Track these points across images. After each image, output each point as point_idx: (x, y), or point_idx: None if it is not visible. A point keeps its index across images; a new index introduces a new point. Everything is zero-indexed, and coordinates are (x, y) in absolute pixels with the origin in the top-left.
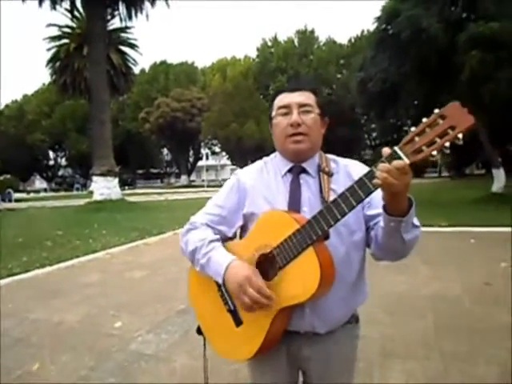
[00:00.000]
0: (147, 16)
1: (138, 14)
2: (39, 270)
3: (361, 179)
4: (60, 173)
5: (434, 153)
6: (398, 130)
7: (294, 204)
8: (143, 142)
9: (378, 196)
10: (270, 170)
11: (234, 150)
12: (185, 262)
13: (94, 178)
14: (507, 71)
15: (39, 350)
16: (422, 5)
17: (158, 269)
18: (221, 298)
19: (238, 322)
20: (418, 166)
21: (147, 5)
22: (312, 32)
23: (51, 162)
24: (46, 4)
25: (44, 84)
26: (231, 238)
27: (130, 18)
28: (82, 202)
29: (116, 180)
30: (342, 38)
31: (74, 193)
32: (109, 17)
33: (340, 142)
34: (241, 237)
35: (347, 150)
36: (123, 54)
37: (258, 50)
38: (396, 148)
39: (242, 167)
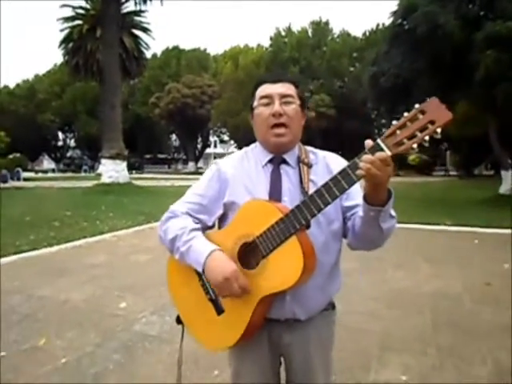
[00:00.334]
0: (161, 1)
1: None
2: (46, 248)
3: (344, 170)
4: (68, 154)
5: (415, 146)
6: None
7: (275, 194)
8: (152, 126)
9: (355, 188)
10: (251, 160)
11: (242, 139)
12: None
13: (103, 161)
14: None
15: (46, 325)
16: (439, 1)
17: (162, 253)
18: (202, 288)
19: (220, 310)
20: (425, 164)
21: None
22: (326, 23)
23: (60, 143)
24: None
25: (56, 65)
26: (210, 227)
27: (145, 1)
28: (89, 183)
29: (124, 163)
30: (357, 31)
31: (82, 174)
32: (123, 0)
33: (349, 135)
34: (219, 226)
35: (356, 144)
36: (136, 37)
37: (271, 39)
38: (379, 140)
39: None
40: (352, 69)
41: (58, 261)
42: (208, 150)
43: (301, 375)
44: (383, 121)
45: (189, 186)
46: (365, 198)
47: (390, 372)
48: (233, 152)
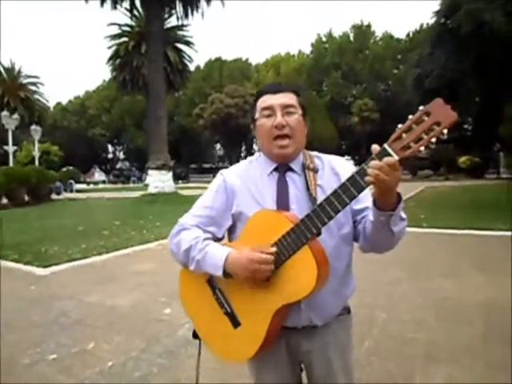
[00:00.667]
0: (202, 14)
1: (194, 13)
2: (96, 256)
3: (352, 176)
4: (118, 166)
5: (422, 148)
6: (459, 129)
7: (283, 202)
8: (197, 137)
9: (364, 190)
10: (256, 169)
11: None
12: None
13: (150, 172)
14: None
15: (94, 330)
16: None
17: None
18: (216, 302)
19: (236, 323)
20: (476, 166)
21: (203, 3)
22: (368, 26)
23: (110, 156)
24: (108, 4)
25: (104, 81)
26: (220, 239)
27: (187, 16)
28: (137, 194)
29: (170, 174)
30: (400, 33)
31: (131, 185)
32: (166, 16)
33: None
34: (229, 238)
35: None
36: (179, 51)
37: (312, 45)
38: (385, 145)
39: None
40: (396, 71)
41: (107, 268)
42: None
43: (322, 381)
44: None
45: None
46: (374, 203)
47: None
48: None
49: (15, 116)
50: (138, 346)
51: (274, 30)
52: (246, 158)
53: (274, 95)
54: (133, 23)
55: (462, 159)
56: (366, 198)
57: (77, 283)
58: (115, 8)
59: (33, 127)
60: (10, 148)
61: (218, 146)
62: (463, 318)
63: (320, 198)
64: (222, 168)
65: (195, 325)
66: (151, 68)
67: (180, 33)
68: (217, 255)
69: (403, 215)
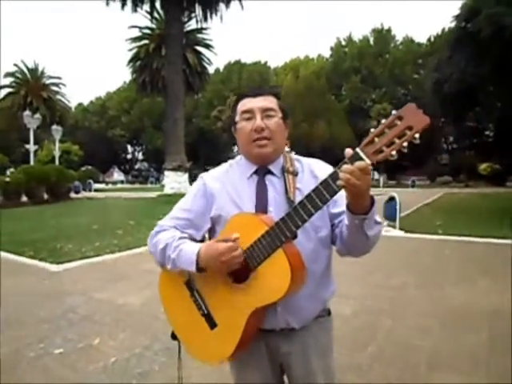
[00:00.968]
0: (221, 17)
1: (213, 16)
2: (109, 255)
3: (325, 180)
4: (136, 166)
5: (393, 153)
6: (480, 134)
7: (261, 205)
8: (215, 139)
9: (342, 194)
10: (236, 173)
11: (303, 150)
12: None
13: (166, 173)
14: None
15: (101, 326)
16: (506, 2)
17: None
18: (194, 304)
19: (213, 324)
20: (497, 174)
21: (222, 6)
22: (388, 31)
23: (129, 156)
24: (128, 6)
25: (125, 82)
26: (200, 242)
27: (206, 19)
28: (154, 194)
29: (186, 175)
30: (421, 37)
31: (148, 186)
32: (186, 19)
33: (414, 144)
34: (210, 239)
35: (422, 153)
36: (199, 53)
37: (331, 49)
38: (358, 149)
39: None
40: (416, 76)
41: (119, 267)
42: None
43: (301, 380)
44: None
45: None
46: (347, 206)
47: None
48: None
49: (37, 116)
50: (141, 342)
51: (293, 34)
52: None
53: (254, 98)
54: (153, 26)
55: (483, 166)
56: (344, 202)
57: (88, 280)
58: (135, 11)
59: (54, 127)
60: (32, 147)
61: (236, 148)
62: (470, 327)
63: (298, 201)
64: None
65: (174, 326)
66: (170, 70)
67: (199, 36)
68: (189, 251)
69: (378, 219)
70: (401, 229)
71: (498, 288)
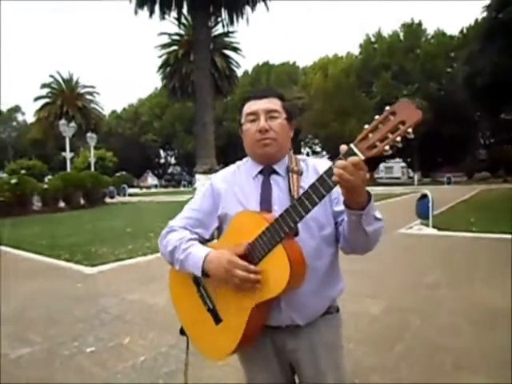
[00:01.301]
0: (247, 20)
1: (240, 19)
2: (141, 257)
3: (321, 177)
4: (169, 170)
5: (387, 148)
6: None
7: (266, 203)
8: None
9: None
10: (242, 173)
11: (334, 150)
12: None
13: (197, 176)
14: None
15: (131, 326)
16: None
17: None
18: (200, 299)
19: (218, 319)
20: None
21: (248, 9)
22: (419, 24)
23: (162, 161)
24: (156, 14)
25: (156, 88)
26: (209, 240)
27: (232, 22)
28: (186, 197)
29: None
30: (453, 29)
31: (181, 189)
32: (212, 24)
33: (450, 140)
34: (218, 238)
35: (458, 149)
36: (227, 57)
37: (360, 46)
38: (351, 145)
39: None
40: (449, 70)
41: (151, 269)
42: None
43: (311, 380)
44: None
45: None
46: (344, 202)
47: None
48: None
49: (72, 124)
50: (168, 341)
51: (321, 32)
52: None
53: (259, 101)
54: (182, 32)
55: None
56: None
57: (121, 282)
58: (163, 18)
59: (89, 134)
60: (68, 154)
61: None
62: (502, 328)
63: None
64: None
65: (182, 321)
66: (199, 75)
67: (227, 39)
68: (197, 255)
69: (378, 215)
70: (434, 227)
71: None
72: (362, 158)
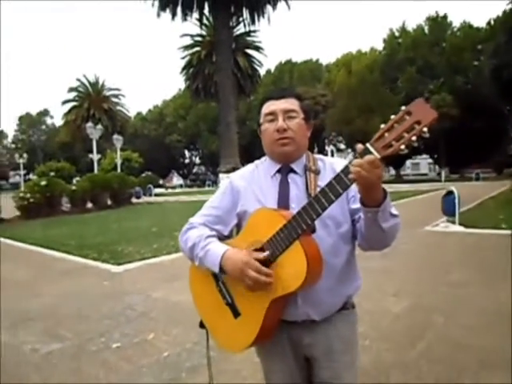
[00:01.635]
0: (269, 19)
1: (261, 18)
2: (166, 256)
3: (338, 175)
4: (194, 170)
5: (403, 147)
6: None
7: (283, 202)
8: None
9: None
10: (261, 172)
11: None
12: None
13: (221, 175)
14: None
15: (156, 323)
16: None
17: None
18: (219, 293)
19: (236, 313)
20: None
21: (269, 8)
22: (444, 17)
23: (187, 161)
24: (178, 16)
25: (180, 90)
26: (228, 237)
27: (253, 22)
28: (210, 197)
29: None
30: (480, 21)
31: (205, 189)
32: (234, 23)
33: (478, 135)
34: (237, 235)
35: (486, 144)
36: (249, 56)
37: (384, 41)
38: (368, 144)
39: None
40: (476, 63)
41: (175, 267)
42: None
43: (326, 374)
44: None
45: None
46: (361, 200)
47: None
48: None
49: (99, 127)
50: (192, 338)
51: (343, 28)
52: None
53: (277, 101)
54: (204, 33)
55: None
56: None
57: (146, 280)
58: (185, 20)
59: (115, 136)
60: (95, 156)
61: None
62: None
63: None
64: None
65: (201, 315)
66: (221, 75)
67: (249, 39)
68: (215, 253)
69: (394, 212)
70: (460, 224)
71: None
72: (378, 156)
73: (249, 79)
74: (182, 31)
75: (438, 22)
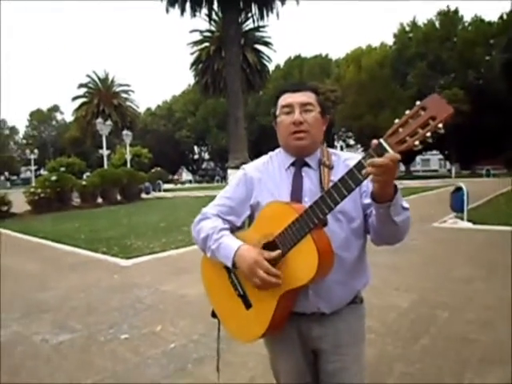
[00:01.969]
0: (278, 14)
1: (270, 13)
2: (174, 250)
3: (351, 170)
4: (203, 166)
5: (417, 143)
6: None
7: (296, 195)
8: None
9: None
10: (275, 164)
11: (368, 143)
12: None
13: (229, 171)
14: None
15: (164, 315)
16: None
17: None
18: (231, 284)
19: (248, 305)
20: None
21: (278, 3)
22: (455, 12)
23: (196, 156)
24: (187, 12)
25: (189, 85)
26: (239, 228)
27: (262, 18)
28: (218, 192)
29: None
30: (492, 15)
31: (215, 184)
32: (243, 19)
33: (489, 131)
34: (249, 226)
35: (498, 140)
36: (258, 52)
37: (394, 36)
38: (381, 140)
39: None
40: (488, 57)
41: (183, 261)
42: None
43: (334, 367)
44: None
45: None
46: (372, 196)
47: None
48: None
49: (108, 122)
50: (199, 330)
51: (353, 23)
52: None
53: (294, 94)
54: (213, 28)
55: None
56: None
57: (154, 273)
58: (194, 16)
59: (124, 132)
60: (105, 152)
61: None
62: None
63: None
64: None
65: (213, 305)
66: (230, 71)
67: (258, 34)
68: (229, 247)
69: (405, 204)
70: (469, 220)
71: None
72: (398, 157)
73: (258, 75)
74: (191, 27)
75: (449, 17)
